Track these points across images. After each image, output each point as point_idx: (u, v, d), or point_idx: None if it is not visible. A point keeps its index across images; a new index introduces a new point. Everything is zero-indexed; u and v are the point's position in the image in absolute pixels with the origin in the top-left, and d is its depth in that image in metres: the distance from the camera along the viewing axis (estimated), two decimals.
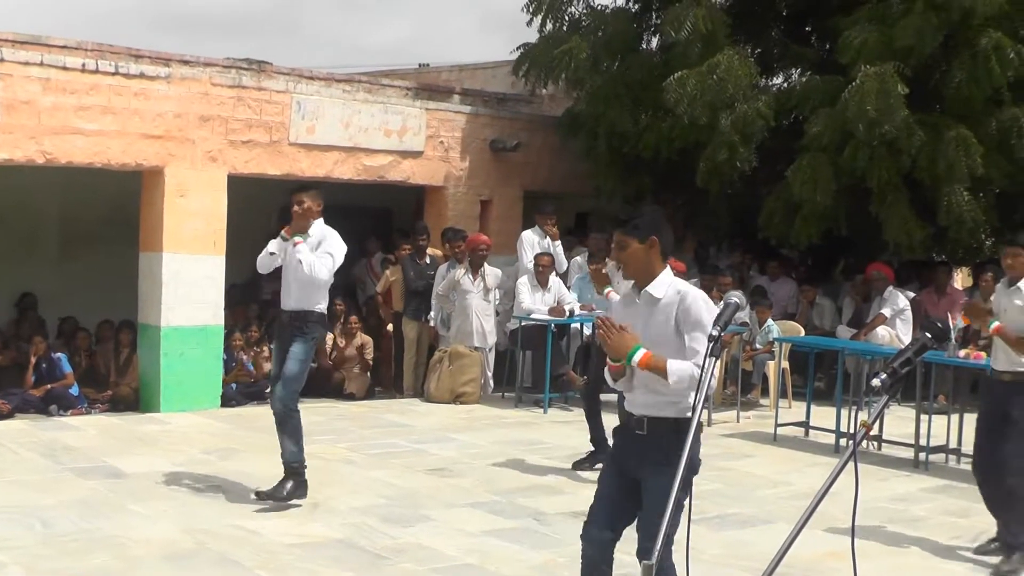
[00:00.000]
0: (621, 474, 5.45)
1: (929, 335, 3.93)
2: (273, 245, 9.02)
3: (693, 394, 5.16)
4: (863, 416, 3.78)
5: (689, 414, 5.16)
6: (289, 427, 8.85)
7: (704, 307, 5.27)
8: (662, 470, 5.01)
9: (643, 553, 5.13)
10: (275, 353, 9.27)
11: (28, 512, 8.33)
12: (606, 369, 5.53)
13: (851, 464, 3.72)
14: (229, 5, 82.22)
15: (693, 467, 5.20)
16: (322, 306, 9.05)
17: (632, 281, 5.49)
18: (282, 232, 9.00)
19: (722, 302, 4.90)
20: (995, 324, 8.25)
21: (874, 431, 11.92)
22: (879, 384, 3.79)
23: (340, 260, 9.03)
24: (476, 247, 14.62)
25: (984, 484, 8.28)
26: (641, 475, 5.33)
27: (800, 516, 3.61)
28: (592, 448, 10.56)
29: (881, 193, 14.39)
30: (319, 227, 9.08)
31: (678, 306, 5.29)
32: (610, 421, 10.18)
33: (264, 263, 9.11)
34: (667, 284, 5.38)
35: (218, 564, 7.34)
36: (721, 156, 14.88)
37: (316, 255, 8.85)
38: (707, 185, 15.37)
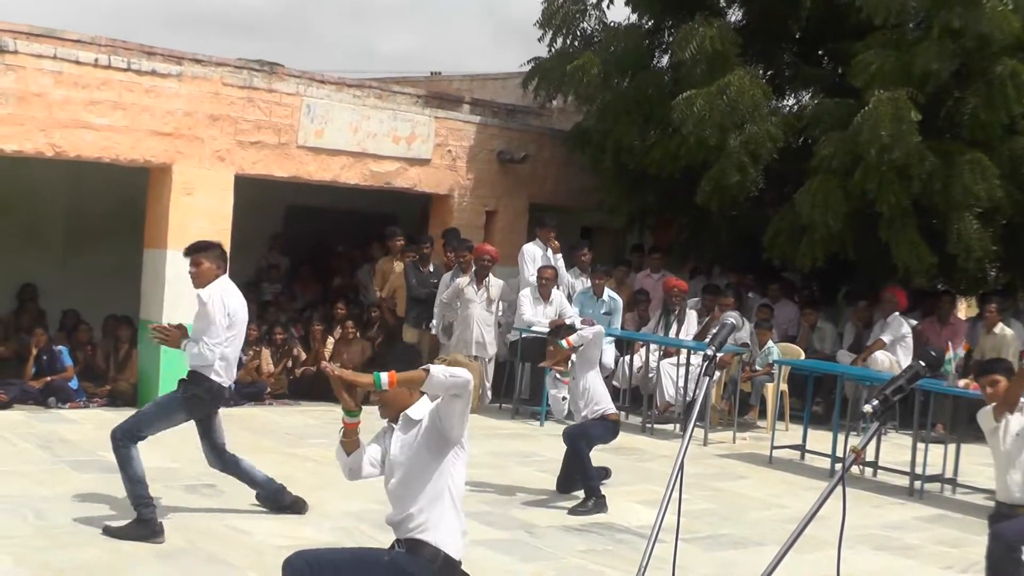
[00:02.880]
0: None
1: (923, 363, 3.94)
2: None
3: None
4: (854, 442, 3.80)
5: None
6: (118, 459, 8.08)
7: None
8: None
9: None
10: None
11: (22, 503, 8.34)
12: None
13: (840, 489, 3.73)
14: (242, 6, 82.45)
15: None
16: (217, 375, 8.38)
17: None
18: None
19: (719, 321, 4.87)
20: None
21: (870, 458, 11.92)
22: (870, 410, 3.80)
23: (217, 324, 8.21)
24: (481, 257, 14.63)
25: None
26: None
27: (787, 538, 3.62)
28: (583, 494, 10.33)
29: (890, 218, 14.39)
30: (208, 291, 8.29)
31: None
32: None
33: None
34: None
35: (208, 563, 7.35)
36: (732, 178, 14.89)
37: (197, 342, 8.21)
38: (708, 204, 15.38)
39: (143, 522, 7.85)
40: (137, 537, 7.75)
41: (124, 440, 8.01)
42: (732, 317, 4.71)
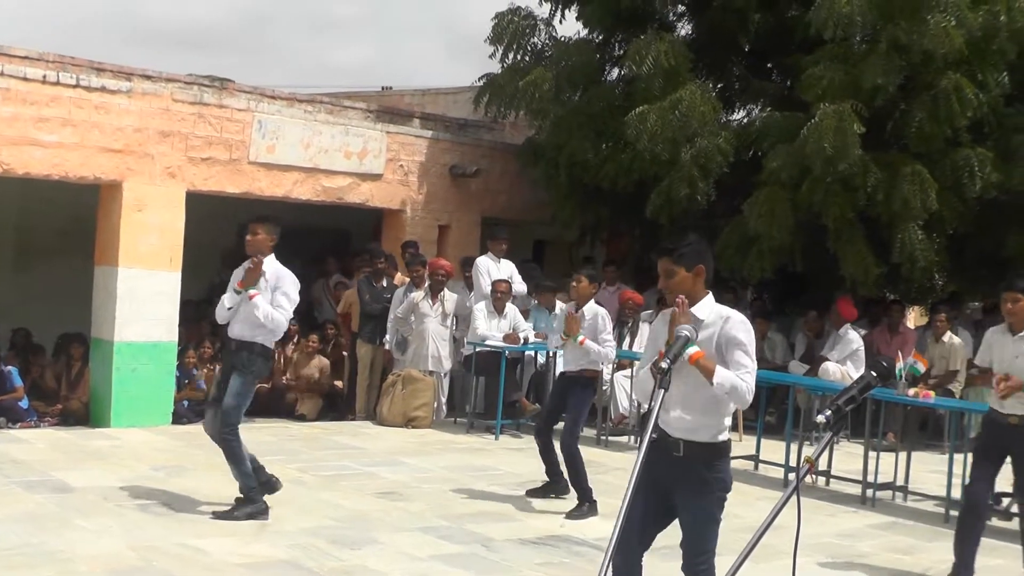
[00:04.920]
0: (654, 490, 5.53)
1: (874, 373, 3.99)
2: (228, 299, 9.11)
3: (727, 418, 5.54)
4: (808, 452, 3.84)
5: (721, 437, 5.51)
6: (229, 454, 9.04)
7: (743, 328, 5.50)
8: (701, 492, 5.39)
9: (690, 569, 5.51)
10: (218, 375, 9.55)
11: None
12: (647, 368, 5.52)
13: (795, 499, 3.77)
14: (199, 22, 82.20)
15: (726, 487, 5.56)
16: (267, 340, 9.10)
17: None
18: (235, 287, 9.06)
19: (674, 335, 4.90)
20: None
21: (823, 467, 12.00)
22: (823, 420, 3.84)
23: (296, 301, 9.16)
24: (435, 272, 14.63)
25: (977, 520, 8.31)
26: (679, 496, 5.54)
27: (743, 548, 3.65)
28: (547, 479, 10.57)
29: (837, 230, 14.53)
30: (272, 265, 9.13)
31: (721, 328, 5.49)
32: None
33: (222, 316, 9.21)
34: (711, 307, 5.59)
35: None
36: (682, 191, 14.96)
37: (273, 302, 8.96)
38: (657, 217, 15.44)
39: (261, 507, 9.02)
40: (250, 516, 8.90)
41: (233, 435, 8.94)
42: (686, 329, 4.75)
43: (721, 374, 5.35)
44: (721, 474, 5.53)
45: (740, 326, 5.49)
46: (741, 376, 5.37)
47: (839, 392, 3.93)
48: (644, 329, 15.11)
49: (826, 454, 12.12)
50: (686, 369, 5.34)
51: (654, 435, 4.79)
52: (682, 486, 5.50)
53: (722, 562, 3.85)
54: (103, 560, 7.63)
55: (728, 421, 5.59)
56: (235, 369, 9.01)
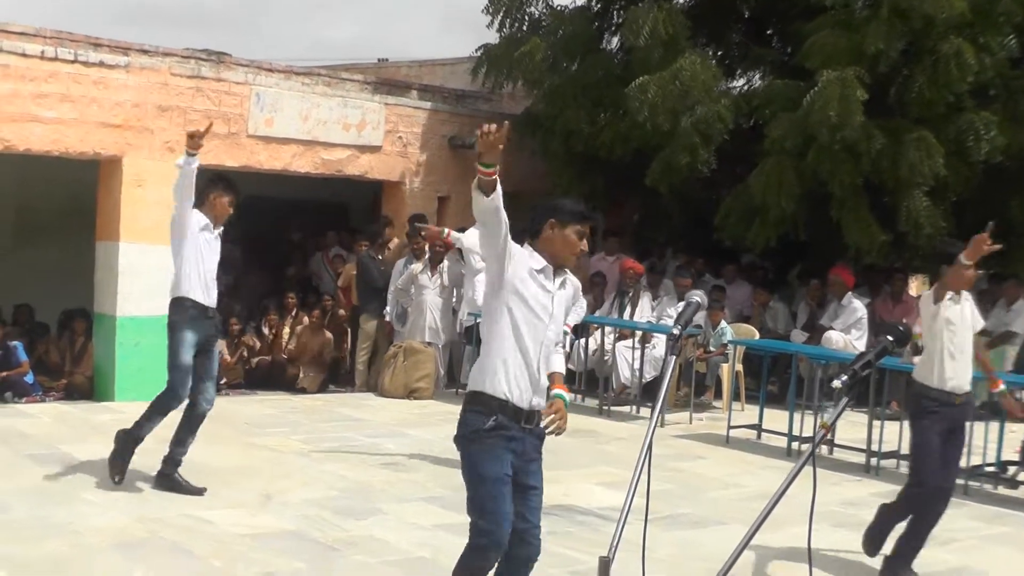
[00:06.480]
0: None
1: (891, 338, 3.97)
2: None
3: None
4: (822, 418, 3.84)
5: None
6: (153, 407, 8.93)
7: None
8: None
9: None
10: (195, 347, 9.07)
11: None
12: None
13: (808, 467, 3.77)
14: (188, 1, 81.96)
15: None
16: (174, 292, 8.98)
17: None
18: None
19: (683, 301, 4.86)
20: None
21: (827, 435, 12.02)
22: (840, 385, 3.82)
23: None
24: (435, 243, 14.62)
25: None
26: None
27: (756, 518, 3.65)
28: None
29: (842, 198, 14.49)
30: None
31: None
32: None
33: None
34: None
35: (170, 553, 7.32)
36: (682, 159, 14.91)
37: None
38: (656, 185, 15.41)
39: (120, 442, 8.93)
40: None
41: (168, 395, 8.79)
42: (697, 296, 4.72)
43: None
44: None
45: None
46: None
47: (856, 356, 3.90)
48: (645, 298, 15.13)
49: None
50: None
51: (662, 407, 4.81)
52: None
53: (731, 531, 3.84)
54: (111, 532, 7.66)
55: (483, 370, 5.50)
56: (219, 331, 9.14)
